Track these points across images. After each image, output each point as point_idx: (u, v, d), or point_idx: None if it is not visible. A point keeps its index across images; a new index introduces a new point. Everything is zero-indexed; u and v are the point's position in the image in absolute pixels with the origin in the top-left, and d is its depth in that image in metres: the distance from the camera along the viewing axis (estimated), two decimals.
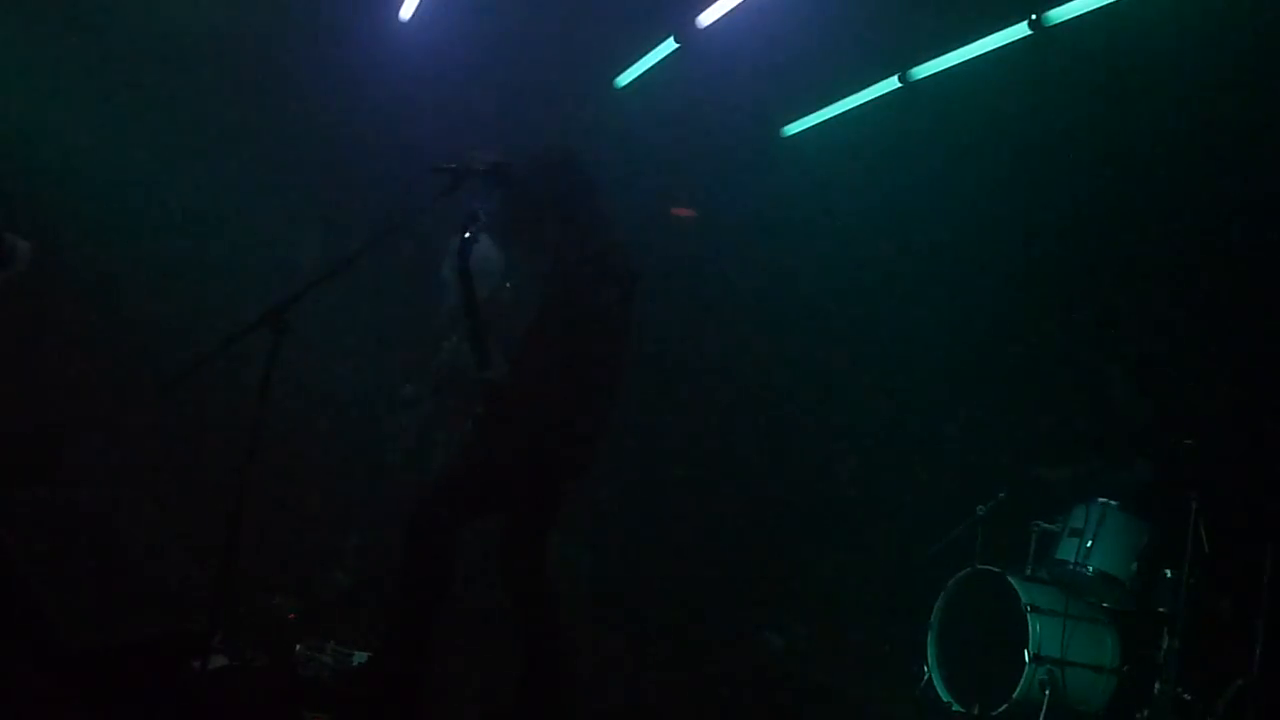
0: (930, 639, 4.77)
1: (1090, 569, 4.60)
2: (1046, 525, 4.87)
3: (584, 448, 3.33)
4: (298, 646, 3.69)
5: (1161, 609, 4.46)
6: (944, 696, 4.66)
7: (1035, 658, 4.42)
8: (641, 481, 6.02)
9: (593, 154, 3.66)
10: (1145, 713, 4.33)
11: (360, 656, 3.68)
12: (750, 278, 6.35)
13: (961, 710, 4.56)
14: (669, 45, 5.49)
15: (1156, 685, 4.35)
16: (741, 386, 6.41)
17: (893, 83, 5.36)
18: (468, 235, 3.28)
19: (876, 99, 5.47)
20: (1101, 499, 4.71)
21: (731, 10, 5.05)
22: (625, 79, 5.87)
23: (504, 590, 3.33)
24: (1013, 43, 4.78)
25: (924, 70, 5.21)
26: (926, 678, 4.75)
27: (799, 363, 6.37)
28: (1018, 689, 4.40)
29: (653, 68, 5.69)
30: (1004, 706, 4.40)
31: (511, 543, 3.32)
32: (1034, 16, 4.59)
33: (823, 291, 6.28)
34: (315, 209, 5.49)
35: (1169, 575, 4.47)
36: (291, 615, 3.91)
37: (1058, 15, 4.57)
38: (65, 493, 3.49)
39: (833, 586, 5.77)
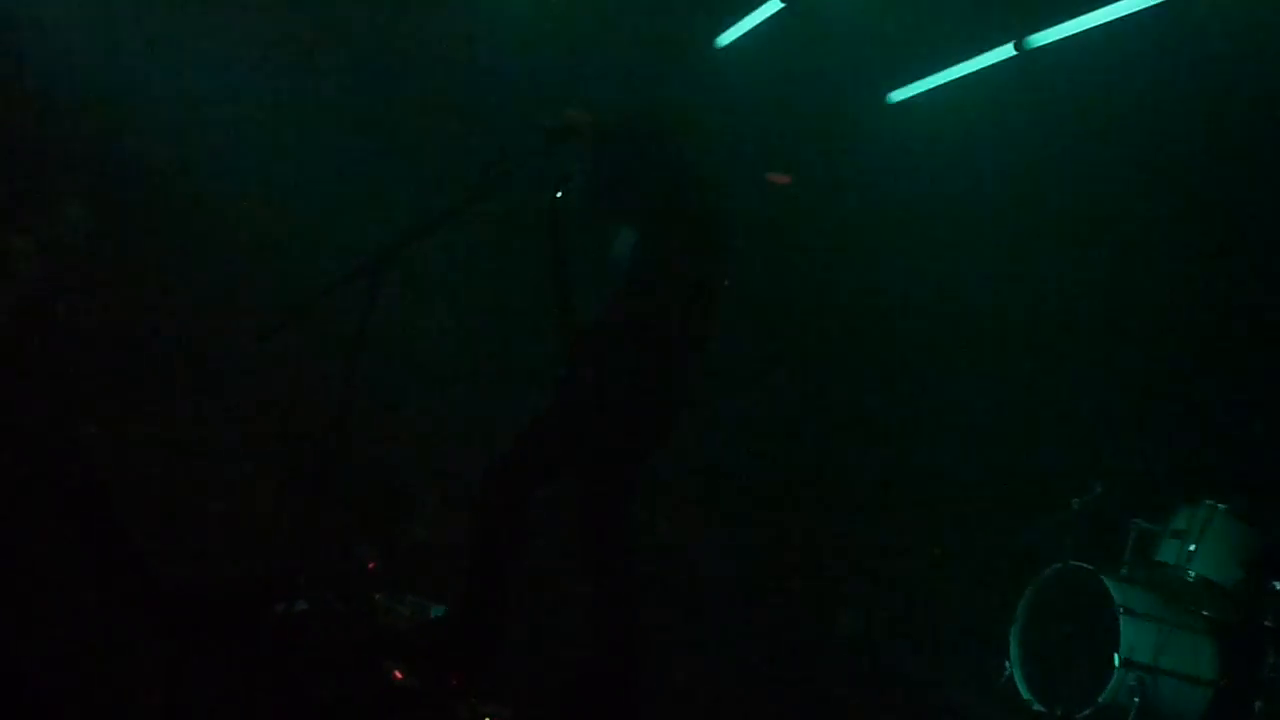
0: (1014, 633, 4.71)
1: (1192, 574, 4.52)
2: (1147, 524, 4.78)
3: (665, 414, 3.37)
4: (377, 596, 3.77)
5: (1268, 623, 4.35)
6: (1024, 694, 4.61)
7: (1125, 662, 4.33)
8: (722, 452, 5.99)
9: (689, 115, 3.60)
10: None
11: (438, 610, 3.74)
12: (846, 250, 6.27)
13: (1043, 710, 4.51)
14: (773, 4, 5.44)
15: (1257, 703, 4.28)
16: (831, 359, 6.35)
17: (1008, 50, 5.19)
18: (560, 194, 3.33)
19: (990, 67, 5.30)
20: (1209, 500, 4.60)
21: None
22: (726, 38, 5.82)
23: (580, 557, 3.37)
24: (1144, 9, 4.60)
25: (1043, 38, 5.03)
26: (1007, 673, 4.71)
27: (892, 338, 6.28)
28: (1104, 693, 4.33)
29: (755, 28, 5.63)
30: (1088, 711, 4.34)
31: (588, 508, 3.37)
32: None
33: (919, 267, 6.16)
34: (410, 166, 5.55)
35: (1278, 587, 4.34)
36: (372, 565, 4.06)
37: None
38: (160, 433, 3.71)
39: (914, 571, 5.74)
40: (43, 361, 4.25)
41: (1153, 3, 4.50)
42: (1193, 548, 4.50)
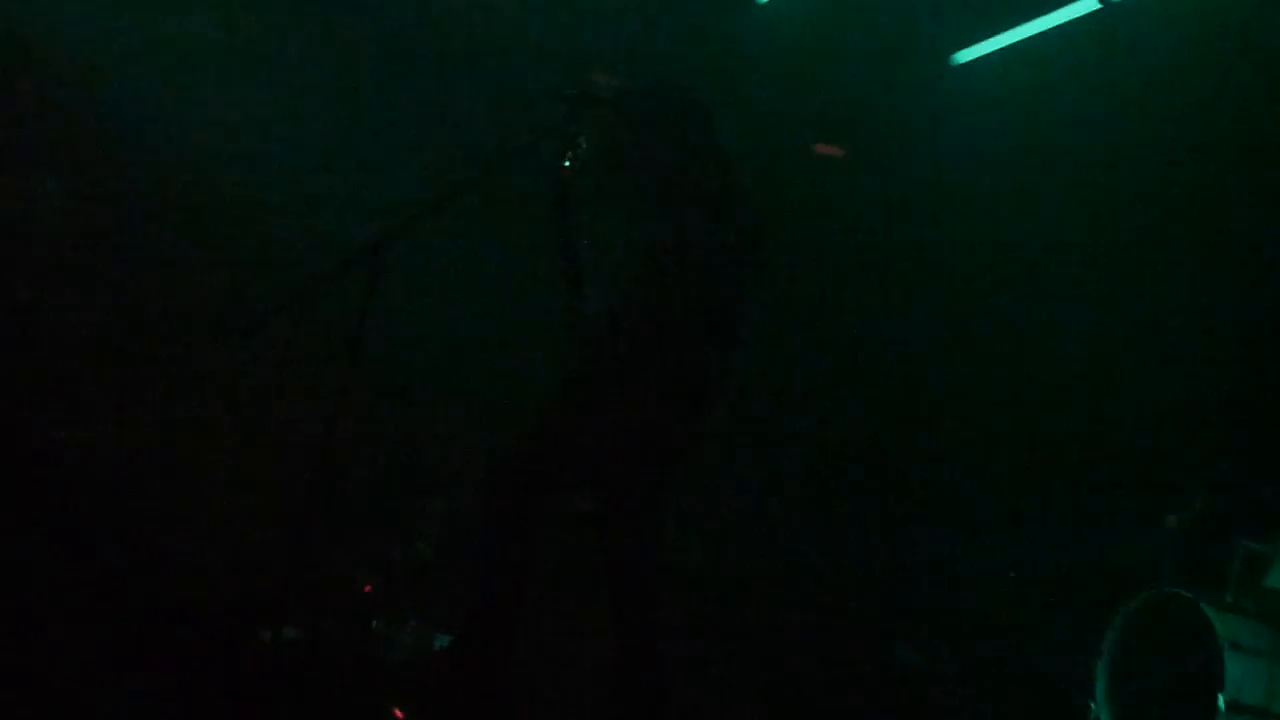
0: (1100, 669, 4.49)
1: None
2: (1255, 545, 4.50)
3: (695, 415, 3.25)
4: (374, 622, 3.71)
5: None
6: None
7: (1232, 705, 4.07)
8: (765, 462, 5.86)
9: (727, 81, 3.51)
10: None
11: (443, 640, 3.67)
12: (905, 229, 6.04)
13: None
14: None
15: None
16: (887, 359, 6.15)
17: (1091, 3, 4.97)
18: (568, 163, 3.27)
19: (1070, 23, 5.08)
20: None
21: None
22: None
23: (601, 576, 3.27)
24: None
25: None
26: (1093, 715, 4.47)
27: (954, 333, 6.05)
28: None
29: None
30: None
31: (609, 523, 3.27)
32: None
33: (985, 249, 5.92)
34: (418, 138, 5.43)
35: None
36: (368, 587, 3.98)
37: None
38: (135, 438, 3.64)
39: (984, 598, 5.53)
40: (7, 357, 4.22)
41: None
42: None
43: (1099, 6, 5.03)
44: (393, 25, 5.54)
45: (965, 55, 5.67)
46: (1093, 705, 4.56)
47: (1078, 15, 5.14)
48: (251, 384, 4.79)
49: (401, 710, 3.30)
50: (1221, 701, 4.14)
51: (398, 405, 5.09)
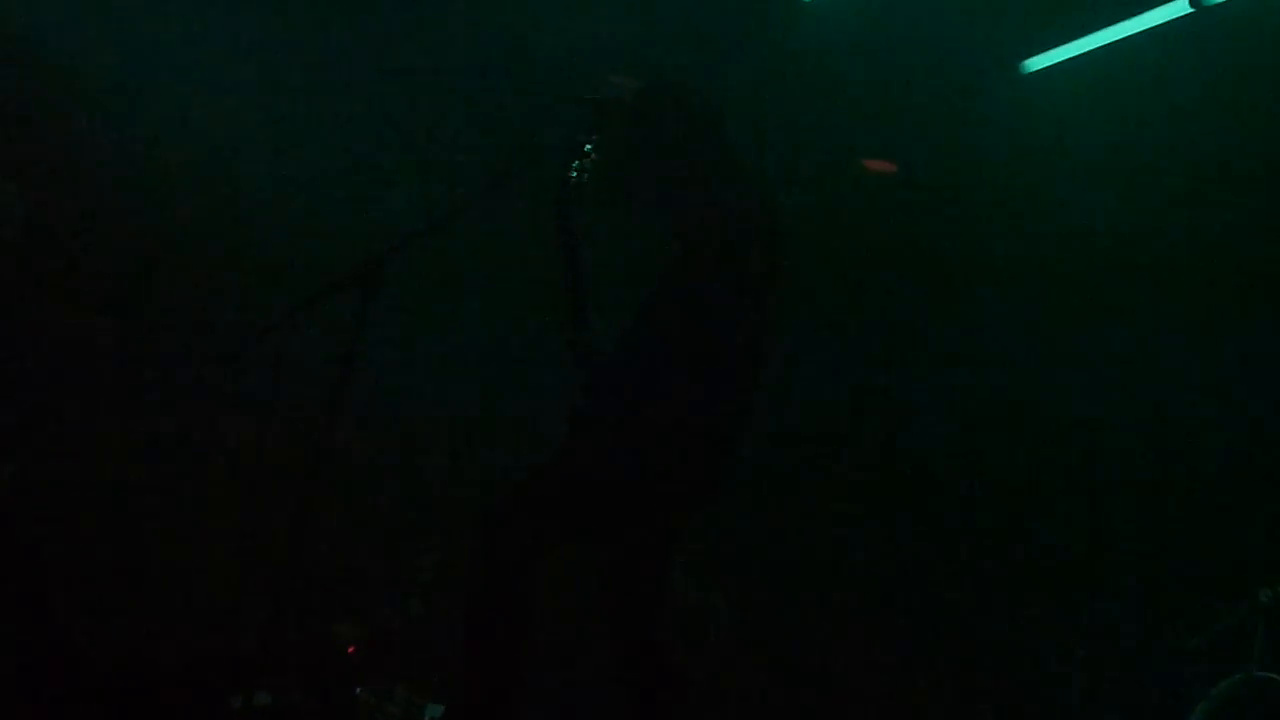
0: None
1: None
2: None
3: (715, 457, 3.11)
4: (359, 689, 3.62)
5: None
6: None
7: None
8: (796, 508, 5.73)
9: (769, 88, 3.45)
10: None
11: (434, 710, 3.59)
12: (966, 252, 5.91)
13: None
14: None
15: None
16: (942, 391, 6.00)
17: (1182, 6, 4.79)
18: (572, 175, 3.20)
19: (1155, 29, 4.93)
20: None
21: None
22: None
23: (611, 640, 3.15)
24: None
25: None
26: None
27: (1022, 366, 5.88)
28: None
29: None
30: None
31: (619, 579, 3.16)
32: None
33: (1056, 278, 5.77)
34: (414, 148, 5.39)
35: None
36: (352, 649, 3.94)
37: None
38: (95, 473, 3.56)
39: (1049, 673, 5.37)
40: None
41: None
42: None
43: (1190, 10, 4.89)
44: (392, 26, 5.52)
45: (1038, 62, 5.50)
46: None
47: (1166, 19, 4.99)
48: (231, 412, 4.75)
49: None
50: None
51: (388, 449, 5.01)
